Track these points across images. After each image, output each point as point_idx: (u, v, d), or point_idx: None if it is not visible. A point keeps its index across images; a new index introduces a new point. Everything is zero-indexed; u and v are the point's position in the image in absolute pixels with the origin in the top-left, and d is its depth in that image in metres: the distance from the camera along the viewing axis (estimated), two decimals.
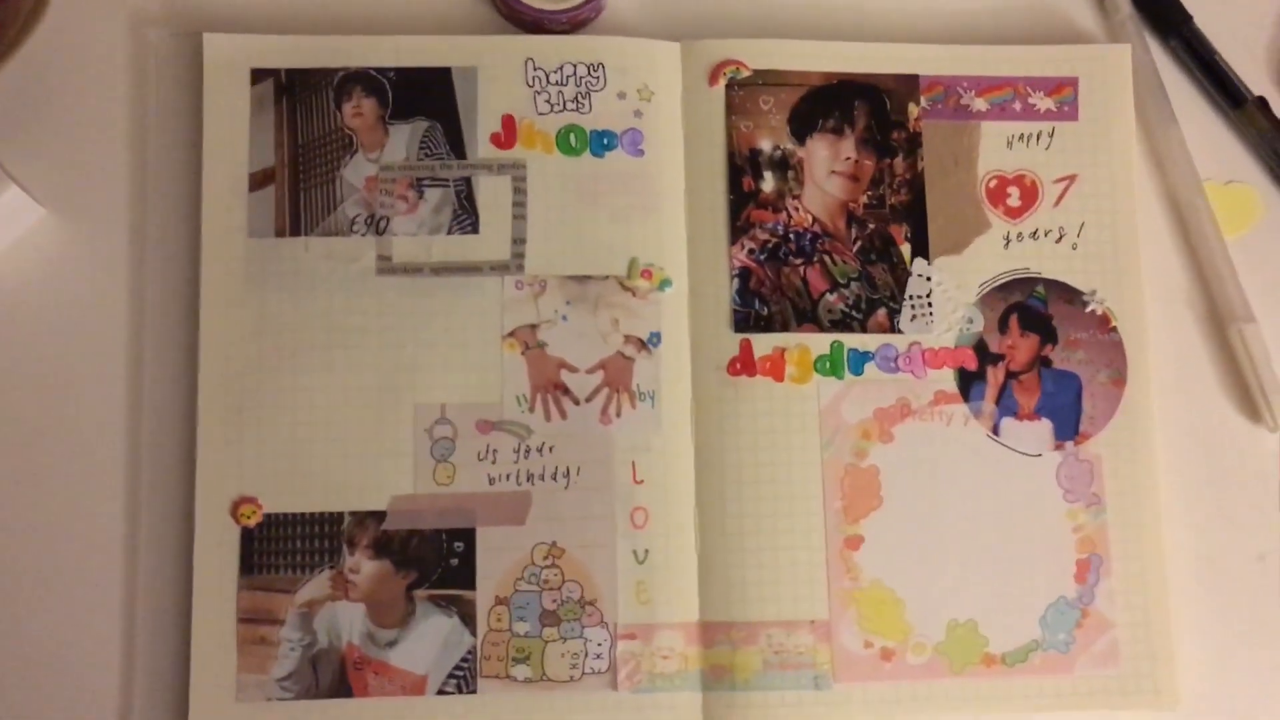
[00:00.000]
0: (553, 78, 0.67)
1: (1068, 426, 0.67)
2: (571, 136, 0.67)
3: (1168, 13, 0.73)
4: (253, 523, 0.63)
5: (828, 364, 0.66)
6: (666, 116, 0.68)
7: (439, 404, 0.64)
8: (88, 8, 0.68)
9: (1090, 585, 0.65)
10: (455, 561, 0.63)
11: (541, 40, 0.68)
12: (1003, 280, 0.68)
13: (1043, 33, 0.72)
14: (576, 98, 0.67)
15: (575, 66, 0.67)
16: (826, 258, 0.68)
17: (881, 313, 0.67)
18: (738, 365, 0.66)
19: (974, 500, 0.66)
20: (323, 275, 0.65)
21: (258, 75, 0.66)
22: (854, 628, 0.64)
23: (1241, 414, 0.69)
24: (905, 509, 0.66)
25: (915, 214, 0.68)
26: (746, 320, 0.66)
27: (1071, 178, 0.69)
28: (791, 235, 0.67)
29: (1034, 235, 0.69)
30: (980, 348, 0.67)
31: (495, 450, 0.64)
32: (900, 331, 0.67)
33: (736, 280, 0.67)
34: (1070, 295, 0.68)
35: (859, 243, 0.68)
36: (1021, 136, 0.69)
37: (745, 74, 0.68)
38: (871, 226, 0.68)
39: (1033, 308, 0.68)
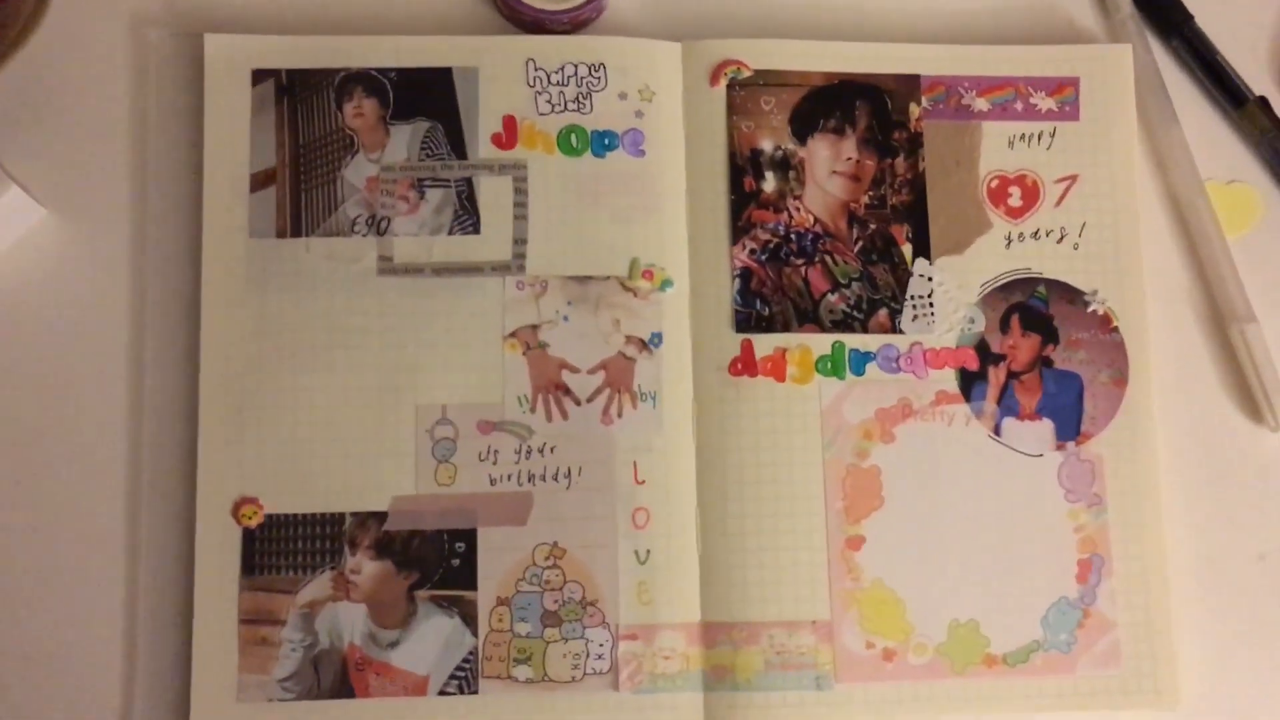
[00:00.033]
0: (554, 78, 0.67)
1: (1069, 426, 0.67)
2: (572, 137, 0.67)
3: (1169, 12, 0.73)
4: (254, 523, 0.63)
5: (829, 364, 0.66)
6: (668, 117, 0.68)
7: (440, 404, 0.64)
8: (89, 8, 0.68)
9: (1091, 585, 0.65)
10: (456, 562, 0.63)
11: (542, 40, 0.68)
12: (1004, 280, 0.68)
13: (1044, 33, 0.72)
14: (577, 98, 0.67)
15: (576, 67, 0.67)
16: (828, 258, 0.68)
17: (883, 313, 0.67)
18: (739, 365, 0.66)
19: (975, 500, 0.66)
20: (324, 276, 0.65)
21: (259, 76, 0.66)
22: (855, 628, 0.64)
23: (1243, 414, 0.69)
24: (907, 509, 0.66)
25: (916, 214, 0.68)
26: (748, 320, 0.66)
27: (1073, 178, 0.69)
28: (793, 235, 0.67)
29: (1035, 235, 0.69)
30: (981, 348, 0.67)
31: (496, 451, 0.64)
32: (901, 332, 0.67)
33: (738, 280, 0.67)
34: (1071, 295, 0.68)
35: (860, 243, 0.68)
36: (1023, 136, 0.69)
37: (746, 74, 0.68)
38: (873, 227, 0.68)
39: (1034, 308, 0.68)
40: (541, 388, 0.65)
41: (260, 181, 0.66)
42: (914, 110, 0.69)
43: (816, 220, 0.68)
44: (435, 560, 0.63)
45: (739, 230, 0.67)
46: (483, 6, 0.70)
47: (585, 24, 0.70)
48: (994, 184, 0.69)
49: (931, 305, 0.68)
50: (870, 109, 0.69)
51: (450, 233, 0.66)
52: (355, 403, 0.64)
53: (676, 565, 0.64)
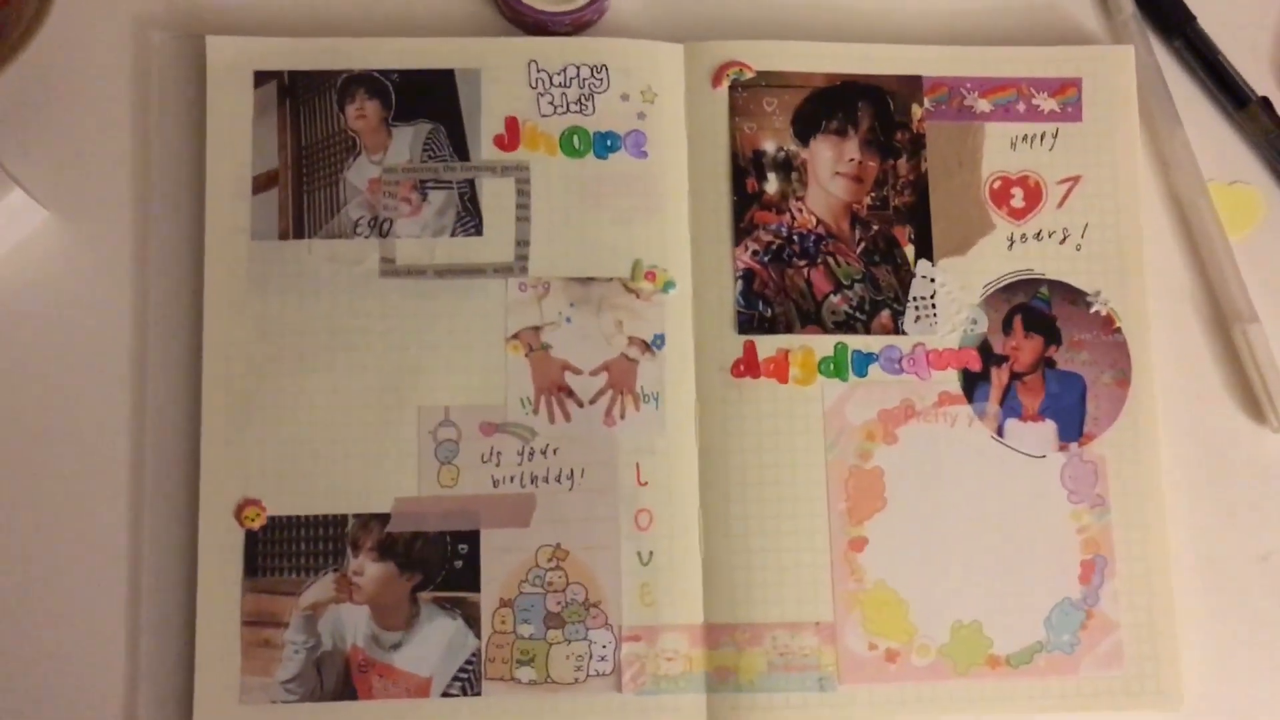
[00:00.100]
0: (556, 79, 0.67)
1: (1072, 427, 0.67)
2: (575, 138, 0.67)
3: (1171, 13, 0.73)
4: (257, 525, 0.63)
5: (832, 365, 0.66)
6: (670, 118, 0.68)
7: (443, 406, 0.64)
8: (91, 11, 0.68)
9: (1094, 586, 0.65)
10: (459, 564, 0.63)
11: (545, 42, 0.68)
12: (1007, 281, 0.68)
13: (1046, 34, 0.72)
14: (580, 99, 0.67)
15: (578, 68, 0.67)
16: (830, 259, 0.68)
17: (885, 314, 0.67)
18: (741, 367, 0.66)
19: (978, 501, 0.66)
20: (326, 277, 0.65)
21: (261, 78, 0.66)
22: (858, 629, 0.64)
23: (1245, 414, 0.69)
24: (909, 510, 0.66)
25: (919, 215, 0.68)
26: (750, 322, 0.66)
27: (1075, 179, 0.69)
28: (795, 237, 0.67)
29: (1038, 236, 0.69)
30: (984, 349, 0.67)
31: (499, 452, 0.64)
32: (904, 333, 0.67)
33: (740, 282, 0.67)
34: (1074, 296, 0.68)
35: (863, 244, 0.68)
36: (1025, 137, 0.69)
37: (749, 75, 0.68)
38: (875, 228, 0.68)
39: (1037, 309, 0.68)
40: (544, 389, 0.65)
41: (262, 183, 0.66)
42: (916, 111, 0.69)
43: (819, 221, 0.68)
44: (438, 562, 0.63)
45: (741, 231, 0.67)
46: (485, 8, 0.70)
47: (587, 25, 0.70)
48: (996, 185, 0.69)
49: (934, 306, 0.68)
50: (872, 110, 0.69)
51: (453, 234, 0.66)
52: (358, 404, 0.64)
53: (679, 567, 0.64)
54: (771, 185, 0.68)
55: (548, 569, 0.63)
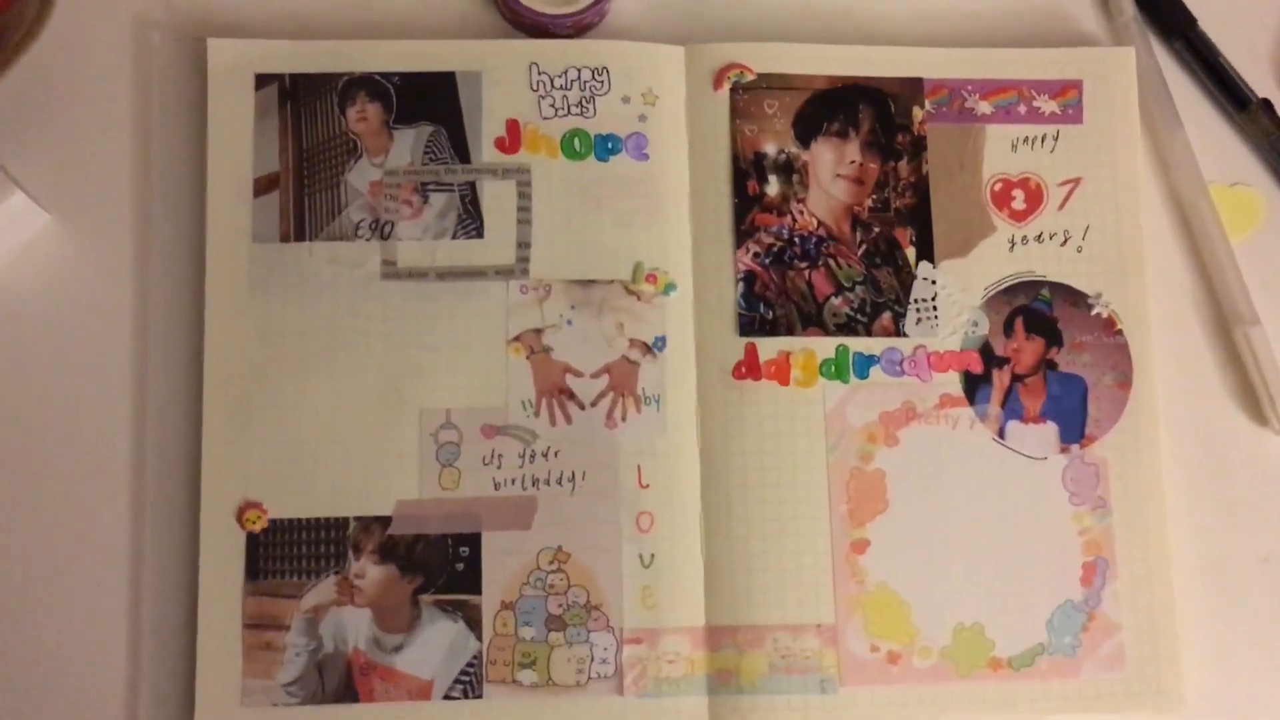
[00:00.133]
0: (557, 82, 0.67)
1: (1073, 429, 0.67)
2: (576, 141, 0.67)
3: (1172, 15, 0.73)
4: (258, 528, 0.63)
5: (833, 368, 0.66)
6: (671, 120, 0.68)
7: (444, 408, 0.64)
8: (92, 13, 0.68)
9: (1096, 588, 0.65)
10: (461, 566, 0.63)
11: (545, 44, 0.68)
12: (1008, 283, 0.68)
13: (1047, 36, 0.72)
14: (581, 102, 0.67)
15: (579, 71, 0.67)
16: (831, 261, 0.68)
17: (886, 316, 0.67)
18: (743, 369, 0.66)
19: (980, 503, 0.66)
20: (327, 280, 0.65)
21: (262, 80, 0.66)
22: (860, 631, 0.64)
23: (1247, 416, 0.69)
24: (911, 512, 0.66)
25: (920, 217, 0.68)
26: (751, 324, 0.66)
27: (1076, 180, 0.69)
28: (796, 239, 0.67)
29: (1039, 238, 0.69)
30: (985, 351, 0.67)
31: (500, 455, 0.64)
32: (905, 335, 0.67)
33: (741, 284, 0.67)
34: (1075, 298, 0.68)
35: (864, 246, 0.68)
36: (1026, 139, 0.69)
37: (749, 78, 0.68)
38: (876, 230, 0.68)
39: (1038, 311, 0.68)
40: (545, 391, 0.65)
41: (263, 186, 0.66)
42: (917, 113, 0.69)
43: (820, 224, 0.68)
44: (439, 564, 0.63)
45: (742, 234, 0.67)
46: (486, 10, 0.70)
47: (588, 28, 0.70)
48: (997, 187, 0.69)
49: (935, 308, 0.68)
50: (873, 112, 0.69)
51: (454, 237, 0.66)
52: (359, 407, 0.64)
53: (681, 569, 0.64)
54: (772, 187, 0.68)
55: (549, 571, 0.63)
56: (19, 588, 0.63)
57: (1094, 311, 0.68)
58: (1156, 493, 0.67)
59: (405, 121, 0.66)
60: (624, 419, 0.65)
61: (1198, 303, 0.70)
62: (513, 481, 0.64)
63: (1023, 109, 0.70)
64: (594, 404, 0.65)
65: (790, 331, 0.67)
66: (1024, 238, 0.69)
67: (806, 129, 0.68)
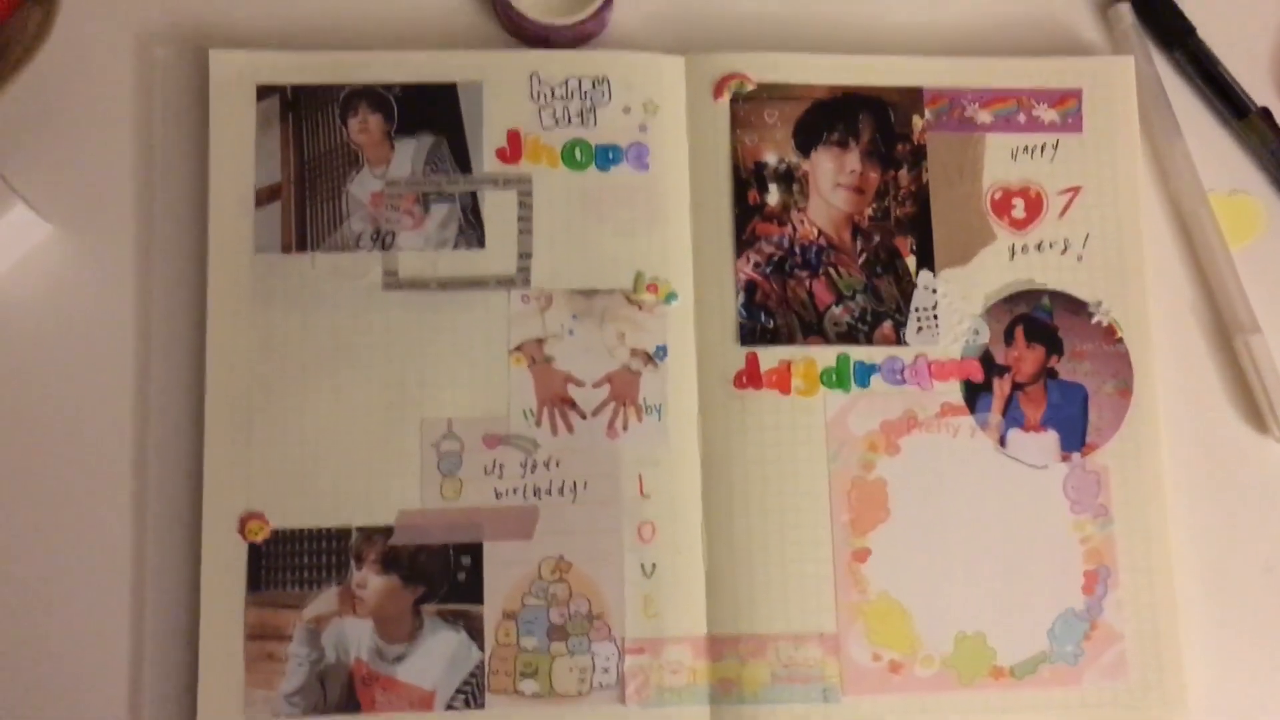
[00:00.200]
0: (558, 92, 0.67)
1: (1074, 438, 0.67)
2: (577, 151, 0.67)
3: (1171, 24, 0.73)
4: (260, 539, 0.63)
5: (834, 376, 0.66)
6: (671, 130, 0.68)
7: (446, 418, 0.64)
8: (94, 25, 0.68)
9: (1098, 597, 0.65)
10: (462, 576, 0.63)
11: (546, 55, 0.68)
12: (1008, 292, 0.68)
13: (1046, 45, 0.72)
14: (581, 112, 0.67)
15: (580, 81, 0.68)
16: (832, 270, 0.68)
17: (887, 325, 0.67)
18: (744, 378, 0.66)
19: (981, 512, 0.66)
20: (329, 291, 0.65)
21: (263, 91, 0.66)
22: (862, 640, 0.64)
23: (1248, 424, 0.69)
24: (912, 521, 0.66)
25: (920, 226, 0.68)
26: (752, 333, 0.66)
27: (1076, 189, 0.69)
28: (797, 248, 0.68)
29: (1039, 247, 0.69)
30: (986, 359, 0.68)
31: (502, 464, 0.64)
32: (906, 344, 0.67)
33: (742, 293, 0.67)
34: (1076, 306, 0.68)
35: (864, 255, 0.68)
36: (1026, 148, 0.69)
37: (750, 87, 0.68)
38: (877, 239, 0.68)
39: (1038, 319, 0.68)
40: (547, 401, 0.65)
41: (265, 197, 0.66)
42: (917, 123, 0.69)
43: (820, 233, 0.68)
44: (441, 574, 0.63)
45: (743, 243, 0.67)
46: (486, 21, 0.70)
47: (589, 38, 0.70)
48: (997, 196, 0.69)
49: (936, 317, 0.68)
50: (873, 122, 0.69)
51: (455, 247, 0.66)
52: (361, 417, 0.64)
53: (682, 578, 0.64)
54: (773, 197, 0.68)
55: (551, 581, 0.63)
56: (22, 598, 0.63)
57: (1094, 320, 0.68)
58: (1158, 501, 0.67)
59: (406, 132, 0.67)
60: (625, 428, 0.65)
61: (1198, 311, 0.71)
62: (514, 491, 0.64)
63: (1022, 118, 0.70)
64: (595, 413, 0.65)
65: (791, 340, 0.67)
66: (1024, 246, 0.69)
67: (807, 138, 0.69)
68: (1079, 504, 0.66)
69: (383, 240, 0.66)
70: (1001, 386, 0.67)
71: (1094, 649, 0.65)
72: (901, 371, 0.67)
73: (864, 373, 0.67)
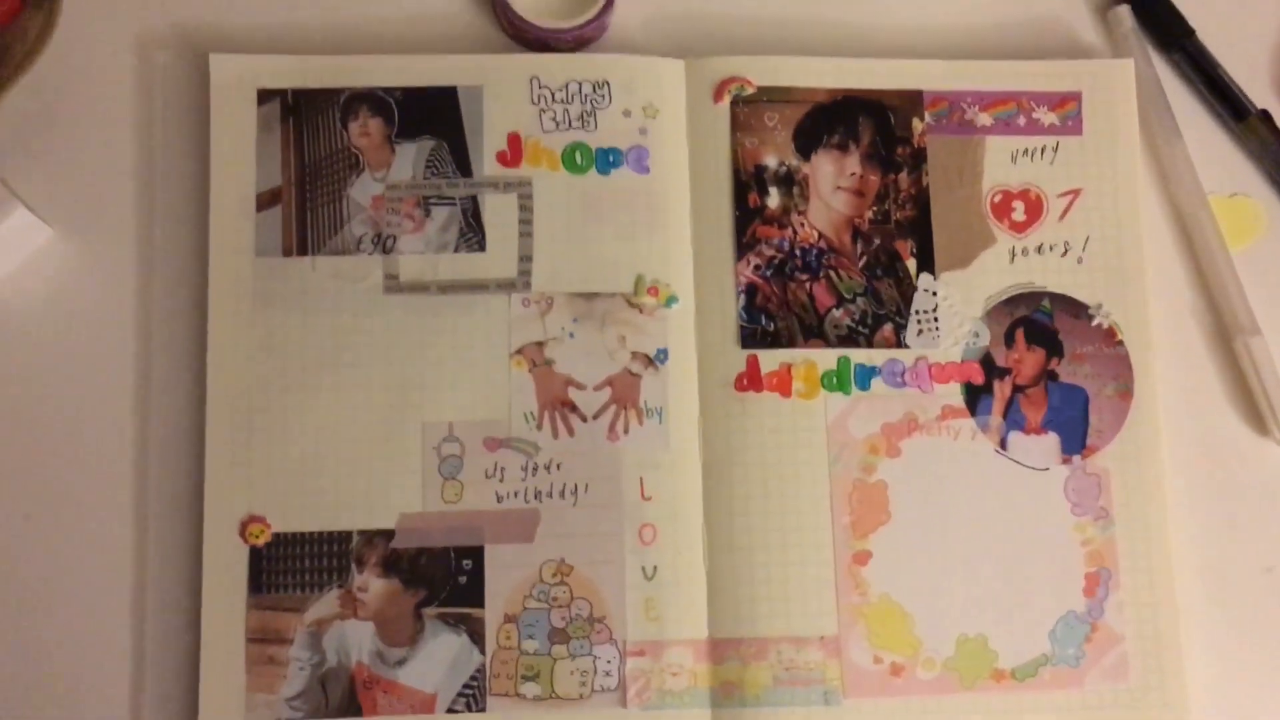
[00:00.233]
0: (558, 96, 0.68)
1: (1075, 440, 0.67)
2: (577, 154, 0.67)
3: (1170, 27, 0.73)
4: (261, 542, 0.63)
5: (834, 379, 0.66)
6: (672, 133, 0.68)
7: (447, 422, 0.64)
8: (95, 29, 0.68)
9: (1099, 599, 0.65)
10: (464, 579, 0.63)
11: (546, 58, 0.68)
12: (1008, 294, 0.68)
13: (1046, 47, 0.72)
14: (582, 115, 0.67)
15: (580, 84, 0.68)
16: (832, 273, 0.68)
17: (888, 328, 0.67)
18: (745, 381, 0.66)
19: (982, 514, 0.66)
20: (330, 294, 0.65)
21: (264, 96, 0.67)
22: (863, 643, 0.64)
23: (1248, 426, 0.69)
24: (913, 524, 0.66)
25: (921, 229, 0.68)
26: (753, 336, 0.66)
27: (1076, 192, 0.69)
28: (797, 251, 0.68)
29: (1039, 249, 0.69)
30: (987, 362, 0.68)
31: (503, 468, 0.64)
32: (907, 346, 0.67)
33: (743, 296, 0.67)
34: (1076, 309, 0.68)
35: (865, 258, 0.68)
36: (1026, 151, 0.69)
37: (750, 91, 0.68)
38: (877, 242, 0.68)
39: (1039, 321, 0.68)
40: (548, 404, 0.65)
41: (266, 200, 0.66)
42: (917, 125, 0.69)
43: (821, 236, 0.68)
44: (442, 578, 0.63)
45: (744, 246, 0.67)
46: (487, 25, 0.70)
47: (589, 42, 0.70)
48: (997, 198, 0.69)
49: (936, 320, 0.68)
50: (873, 125, 0.69)
51: (456, 250, 0.66)
52: (362, 420, 0.64)
53: (684, 581, 0.64)
54: (773, 200, 0.68)
55: (552, 584, 0.63)
56: (23, 602, 0.63)
57: (1095, 322, 0.68)
58: (1158, 503, 0.67)
59: (407, 136, 0.67)
60: (626, 431, 0.65)
61: (1198, 313, 0.71)
62: (515, 494, 0.64)
63: (1022, 121, 0.70)
64: (596, 416, 0.65)
65: (792, 343, 0.67)
66: (1024, 249, 0.69)
67: (807, 141, 0.69)
68: (1080, 506, 0.66)
69: (383, 244, 0.66)
70: (1002, 389, 0.67)
71: (1095, 651, 0.65)
72: (902, 374, 0.67)
73: (864, 375, 0.67)
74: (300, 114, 0.67)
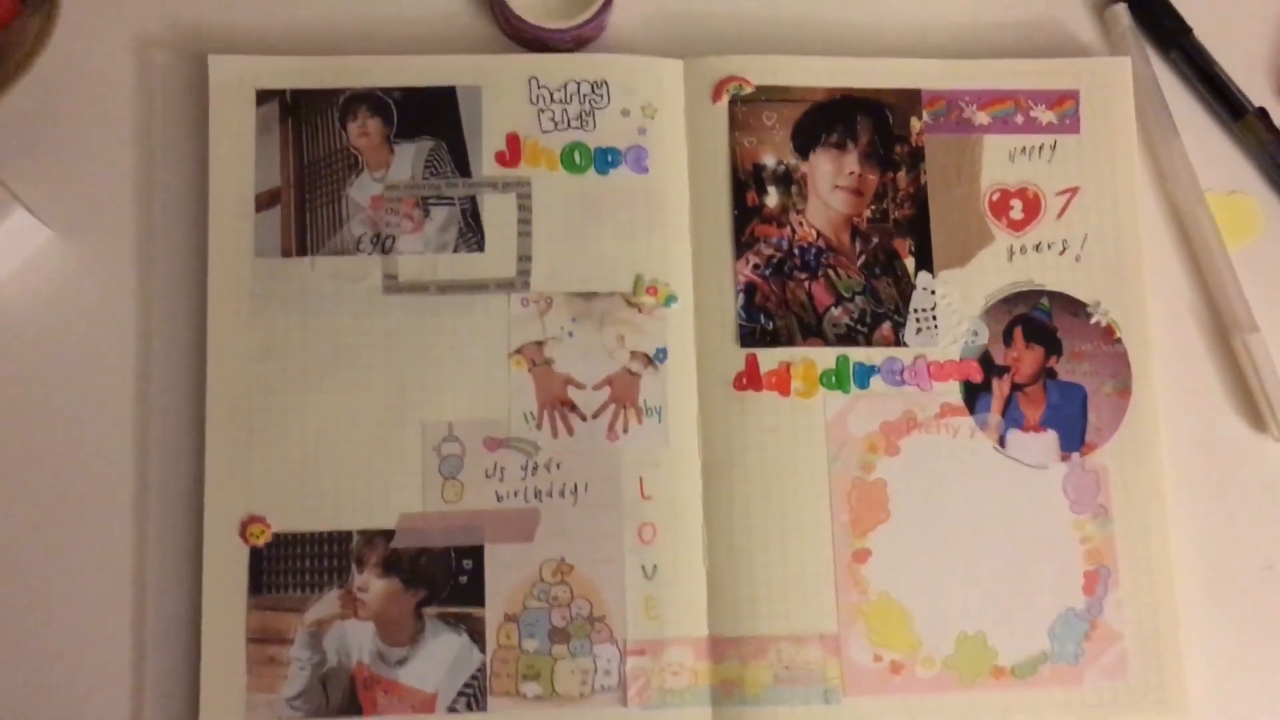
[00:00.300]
0: (556, 96, 0.68)
1: (1073, 438, 0.67)
2: (576, 154, 0.67)
3: (1167, 25, 0.73)
4: (261, 542, 0.63)
5: (833, 378, 0.67)
6: (670, 133, 0.68)
7: (446, 422, 0.64)
8: (94, 31, 0.68)
9: (1098, 596, 0.66)
10: (464, 579, 0.63)
11: (545, 58, 0.68)
12: (1007, 293, 0.68)
13: (1043, 46, 0.72)
14: (580, 115, 0.68)
15: (579, 84, 0.68)
16: (831, 272, 0.68)
17: (886, 326, 0.67)
18: (744, 380, 0.66)
19: (981, 512, 0.66)
20: (329, 294, 0.65)
21: (263, 96, 0.67)
22: (863, 641, 0.64)
23: (1247, 423, 0.70)
24: (913, 522, 0.66)
25: (919, 228, 0.68)
26: (752, 335, 0.67)
27: (1074, 190, 0.70)
28: (796, 250, 0.68)
29: (1037, 248, 0.69)
30: (985, 360, 0.68)
31: (503, 467, 0.64)
32: (905, 345, 0.67)
33: (741, 295, 0.67)
34: (1074, 307, 0.68)
35: (863, 257, 0.68)
36: (1024, 149, 0.70)
37: (748, 90, 0.68)
38: (875, 240, 0.68)
39: (1037, 320, 0.68)
40: (547, 404, 0.65)
41: (265, 201, 0.66)
42: (915, 124, 0.69)
43: (819, 235, 0.68)
44: (443, 577, 0.63)
45: (742, 245, 0.67)
46: (485, 25, 0.71)
47: (587, 42, 0.70)
48: (995, 197, 0.69)
49: (935, 318, 0.68)
50: (871, 124, 0.69)
51: (455, 250, 0.66)
52: (362, 421, 0.64)
53: (683, 580, 0.64)
54: (772, 199, 0.68)
55: (552, 584, 0.63)
56: (24, 603, 0.63)
57: (1093, 320, 0.68)
58: (1157, 500, 0.67)
59: (406, 136, 0.67)
60: (626, 431, 0.65)
61: (1196, 310, 0.71)
62: (515, 494, 0.64)
63: (1020, 119, 0.70)
64: (596, 416, 0.65)
65: (790, 342, 0.67)
66: (1022, 247, 0.69)
67: (805, 140, 0.69)
68: (1079, 504, 0.67)
69: (382, 244, 0.66)
70: (1001, 387, 0.67)
71: (1094, 649, 0.65)
72: (901, 372, 0.67)
73: (863, 374, 0.67)
74: (299, 114, 0.67)
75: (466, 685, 0.62)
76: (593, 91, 0.68)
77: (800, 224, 0.68)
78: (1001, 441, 0.67)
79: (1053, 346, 0.68)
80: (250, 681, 0.62)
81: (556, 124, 0.67)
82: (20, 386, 0.65)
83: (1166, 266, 0.71)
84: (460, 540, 0.63)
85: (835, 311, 0.67)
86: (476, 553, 0.63)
